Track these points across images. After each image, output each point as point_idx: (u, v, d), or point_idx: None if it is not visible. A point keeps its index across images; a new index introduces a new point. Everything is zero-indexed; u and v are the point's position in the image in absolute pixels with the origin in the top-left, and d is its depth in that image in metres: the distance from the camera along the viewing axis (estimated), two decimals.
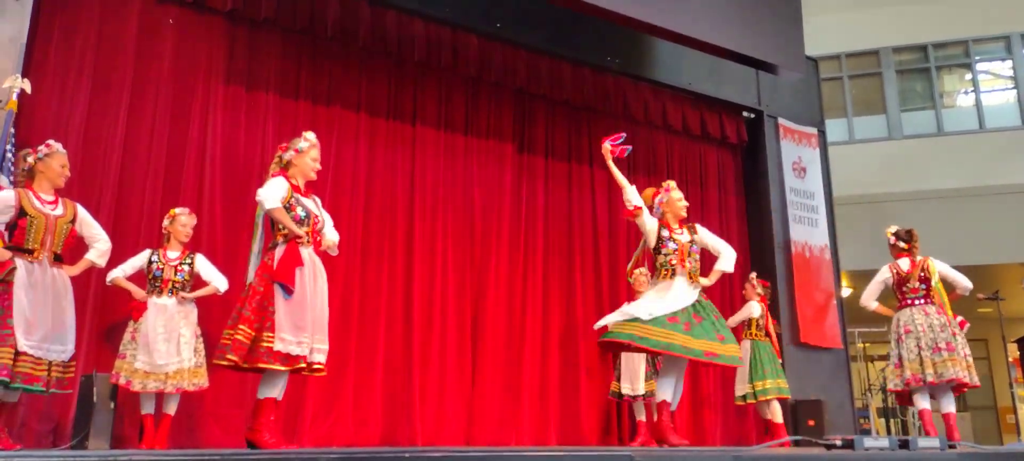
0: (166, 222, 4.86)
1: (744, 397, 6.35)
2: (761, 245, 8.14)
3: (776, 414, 6.30)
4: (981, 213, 10.53)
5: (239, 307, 3.62)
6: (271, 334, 3.48)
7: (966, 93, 12.17)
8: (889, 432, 10.24)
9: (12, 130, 4.70)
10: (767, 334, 6.47)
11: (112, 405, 4.52)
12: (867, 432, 9.79)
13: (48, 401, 4.72)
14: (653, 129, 8.03)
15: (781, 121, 8.49)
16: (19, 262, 3.76)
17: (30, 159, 4.01)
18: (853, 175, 10.46)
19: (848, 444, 2.97)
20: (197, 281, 4.92)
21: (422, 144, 6.65)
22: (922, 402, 5.11)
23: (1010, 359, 8.95)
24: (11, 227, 3.82)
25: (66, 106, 5.17)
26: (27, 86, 4.77)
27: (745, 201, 8.51)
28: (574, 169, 7.51)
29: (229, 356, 3.48)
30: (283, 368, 3.52)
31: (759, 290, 6.63)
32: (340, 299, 5.71)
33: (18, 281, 3.71)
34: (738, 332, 6.51)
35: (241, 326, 3.50)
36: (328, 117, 6.25)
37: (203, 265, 4.92)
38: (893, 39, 12.08)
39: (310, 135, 4.08)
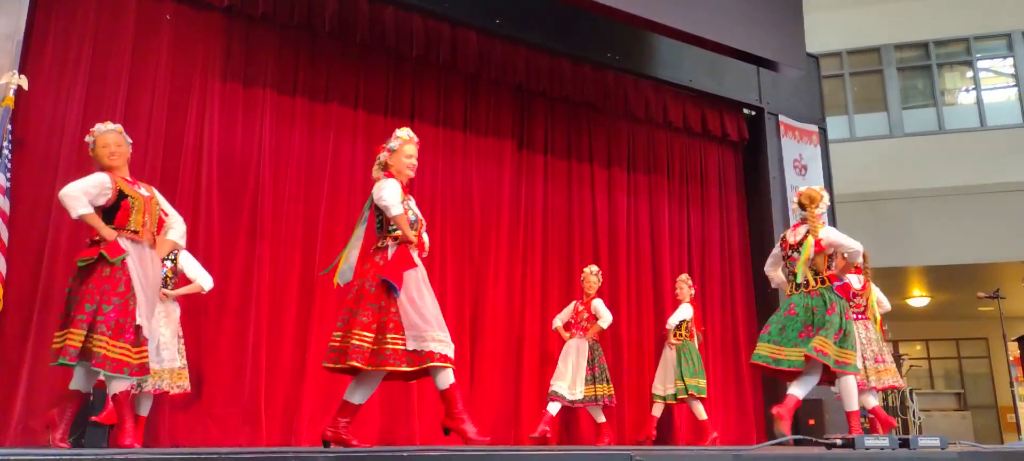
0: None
1: (673, 396, 6.48)
2: (762, 243, 8.10)
3: (700, 412, 6.47)
4: (982, 211, 10.51)
5: (350, 310, 3.60)
6: (396, 336, 3.48)
7: (967, 91, 12.13)
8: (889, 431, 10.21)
9: (9, 127, 4.68)
10: (693, 335, 6.61)
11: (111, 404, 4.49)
12: (867, 431, 9.77)
13: (47, 399, 4.70)
14: (654, 126, 8.01)
15: (782, 118, 8.47)
16: (129, 246, 3.60)
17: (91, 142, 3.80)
18: (854, 173, 10.43)
19: (848, 443, 2.95)
20: (181, 278, 4.88)
21: (421, 141, 6.57)
22: (873, 401, 5.83)
23: (1011, 358, 8.93)
24: (111, 211, 3.62)
25: (62, 102, 5.15)
26: (24, 82, 4.76)
27: (746, 199, 8.49)
28: (574, 166, 7.49)
29: (351, 362, 3.48)
30: (410, 369, 3.53)
31: (691, 291, 6.72)
32: None
33: (131, 266, 3.57)
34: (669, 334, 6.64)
35: (357, 330, 3.50)
36: (325, 114, 6.22)
37: (187, 262, 4.86)
38: (894, 36, 12.05)
39: (403, 132, 4.06)
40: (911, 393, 10.53)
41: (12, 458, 2.81)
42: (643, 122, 7.90)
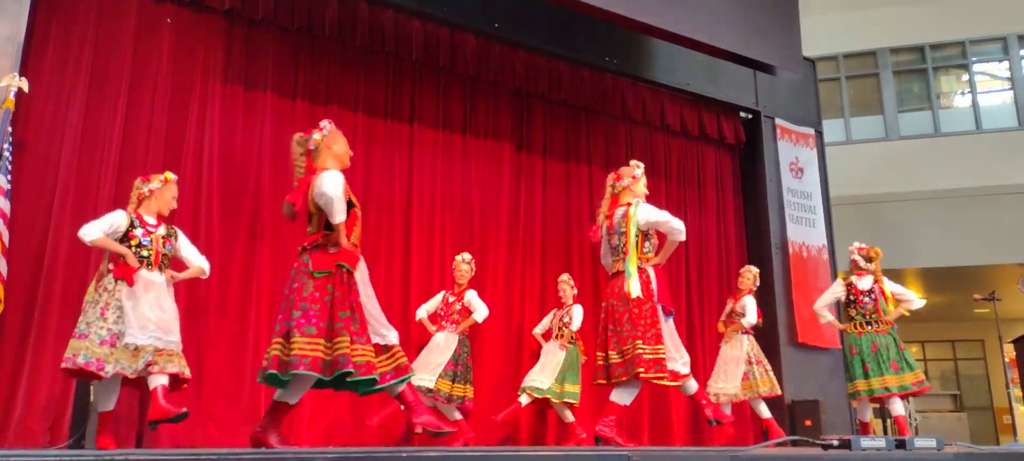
0: (155, 186, 4.46)
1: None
2: (758, 245, 8.15)
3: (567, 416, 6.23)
4: (978, 214, 10.56)
5: (635, 325, 4.16)
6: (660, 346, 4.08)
7: (963, 94, 12.19)
8: (886, 432, 10.26)
9: (9, 129, 4.69)
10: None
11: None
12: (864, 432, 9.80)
13: (46, 400, 4.72)
14: (651, 129, 8.04)
15: (778, 121, 8.51)
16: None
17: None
18: (850, 175, 10.48)
19: (845, 444, 2.97)
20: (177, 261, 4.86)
21: (420, 144, 6.65)
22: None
23: (1006, 360, 8.97)
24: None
25: (63, 105, 5.16)
26: (24, 85, 4.77)
27: (742, 201, 8.52)
28: (572, 169, 7.52)
29: (665, 379, 4.17)
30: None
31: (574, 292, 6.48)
32: None
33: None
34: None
35: (656, 346, 4.10)
36: (325, 117, 6.20)
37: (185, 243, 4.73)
38: (890, 40, 12.10)
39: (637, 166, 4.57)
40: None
41: (12, 459, 2.83)
42: (641, 125, 7.94)
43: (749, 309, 6.46)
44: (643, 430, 7.15)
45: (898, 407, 5.54)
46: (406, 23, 6.53)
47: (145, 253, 4.27)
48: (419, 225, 6.45)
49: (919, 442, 3.06)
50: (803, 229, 8.26)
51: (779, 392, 6.45)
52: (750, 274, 6.71)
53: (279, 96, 6.04)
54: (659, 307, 4.35)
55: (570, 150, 7.56)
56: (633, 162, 4.73)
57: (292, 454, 2.97)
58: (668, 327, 4.42)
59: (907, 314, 5.74)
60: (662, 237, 4.57)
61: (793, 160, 8.48)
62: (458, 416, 5.80)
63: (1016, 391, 8.77)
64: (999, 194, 10.59)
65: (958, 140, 11.44)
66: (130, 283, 4.14)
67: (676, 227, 4.41)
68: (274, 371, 3.30)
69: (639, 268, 4.35)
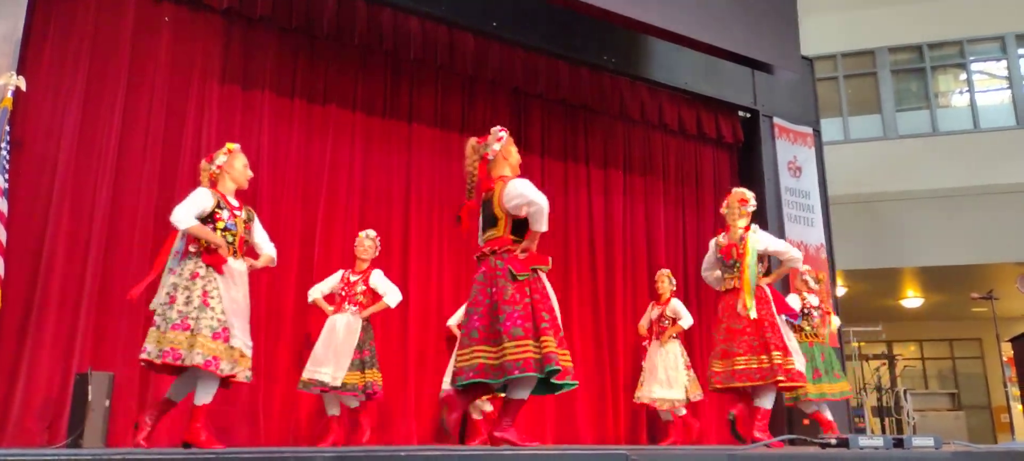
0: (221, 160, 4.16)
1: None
2: None
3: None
4: (975, 213, 10.57)
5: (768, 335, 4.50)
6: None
7: (961, 93, 12.21)
8: (884, 431, 10.27)
9: (7, 128, 4.68)
10: None
11: (107, 404, 4.50)
12: (862, 431, 9.82)
13: (44, 399, 4.71)
14: (649, 128, 8.04)
15: (777, 121, 8.51)
16: None
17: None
18: (848, 175, 10.49)
19: (843, 443, 2.98)
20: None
21: (418, 143, 6.65)
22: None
23: (1004, 358, 8.98)
24: (523, 224, 3.57)
25: (61, 104, 5.16)
26: (22, 84, 4.76)
27: None
28: (570, 168, 7.51)
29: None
30: None
31: None
32: None
33: None
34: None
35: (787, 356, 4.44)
36: (324, 115, 6.24)
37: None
38: (888, 39, 12.11)
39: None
40: (905, 393, 10.59)
41: (10, 458, 2.82)
42: (639, 124, 7.94)
43: (683, 312, 6.55)
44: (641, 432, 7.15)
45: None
46: (404, 22, 6.52)
47: (230, 238, 3.89)
48: (417, 224, 6.45)
49: (917, 441, 3.06)
50: (801, 228, 8.26)
51: (701, 396, 6.43)
52: (666, 278, 6.73)
53: (277, 95, 6.04)
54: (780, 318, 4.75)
55: (568, 149, 7.56)
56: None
57: (291, 453, 2.97)
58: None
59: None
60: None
61: (791, 159, 8.48)
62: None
63: (1014, 390, 8.78)
64: (997, 193, 10.61)
65: (956, 139, 11.46)
66: (220, 272, 3.79)
67: (794, 256, 4.82)
68: (481, 379, 3.35)
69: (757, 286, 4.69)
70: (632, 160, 7.95)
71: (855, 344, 10.83)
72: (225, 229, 3.87)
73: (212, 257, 3.78)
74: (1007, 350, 8.09)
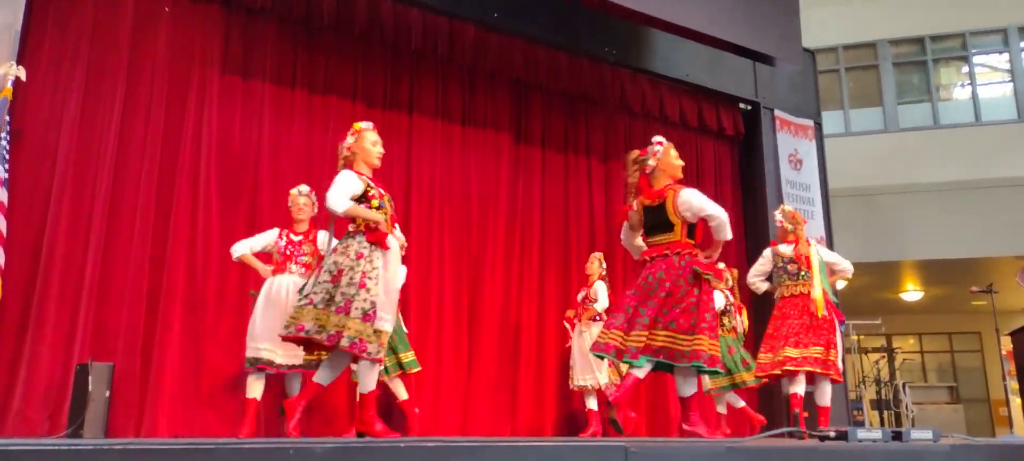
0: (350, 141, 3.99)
1: None
2: (757, 237, 8.14)
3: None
4: (976, 206, 10.56)
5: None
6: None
7: (963, 86, 12.17)
8: (882, 424, 10.30)
9: (7, 118, 4.69)
10: None
11: (107, 394, 4.52)
12: (860, 424, 9.84)
13: (45, 390, 4.72)
14: (650, 120, 8.03)
15: (778, 113, 8.50)
16: None
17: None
18: (849, 167, 10.47)
19: (841, 436, 2.98)
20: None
21: (418, 134, 6.64)
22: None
23: (1003, 352, 8.99)
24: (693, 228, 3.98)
25: (60, 94, 5.16)
26: (22, 74, 4.76)
27: (741, 193, 8.53)
28: (571, 160, 7.51)
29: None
30: None
31: None
32: None
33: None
34: None
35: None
36: (324, 107, 6.23)
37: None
38: (890, 32, 12.07)
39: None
40: (904, 386, 10.61)
41: (11, 448, 2.83)
42: (640, 116, 7.92)
43: (601, 295, 6.22)
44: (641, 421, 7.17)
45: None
46: (405, 13, 6.51)
47: (384, 217, 3.79)
48: (417, 215, 6.45)
49: (915, 434, 3.06)
50: None
51: (619, 381, 6.05)
52: (596, 260, 6.43)
53: (277, 86, 6.03)
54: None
55: (569, 141, 7.55)
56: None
57: (289, 443, 2.98)
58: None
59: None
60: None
61: (792, 152, 8.47)
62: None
63: (1012, 384, 8.78)
64: (998, 186, 10.60)
65: (957, 132, 11.43)
66: (386, 248, 3.72)
67: (847, 267, 5.50)
68: (665, 359, 3.77)
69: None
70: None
71: (854, 337, 10.84)
72: (379, 207, 3.79)
73: (375, 235, 3.71)
74: (1006, 344, 8.09)
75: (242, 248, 4.81)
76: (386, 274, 3.72)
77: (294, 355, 4.39)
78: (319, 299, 3.59)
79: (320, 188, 6.06)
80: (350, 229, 3.76)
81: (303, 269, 4.77)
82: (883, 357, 11.09)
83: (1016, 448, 3.09)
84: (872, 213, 10.74)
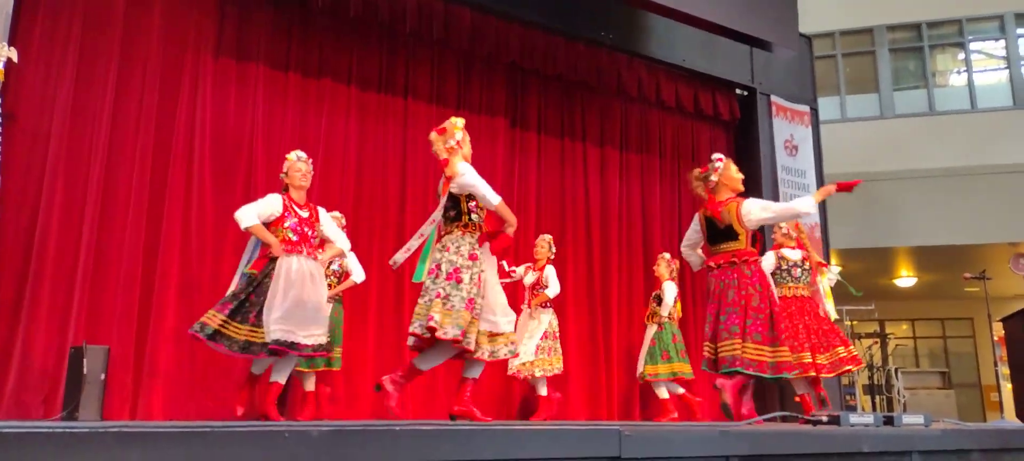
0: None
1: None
2: None
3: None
4: (971, 193, 10.59)
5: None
6: None
7: (958, 73, 12.18)
8: (875, 408, 10.37)
9: None
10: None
11: (102, 377, 4.52)
12: (853, 408, 9.91)
13: (39, 373, 4.72)
14: (646, 105, 8.02)
15: (774, 99, 8.49)
16: None
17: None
18: (845, 153, 10.48)
19: (834, 420, 3.00)
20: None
21: (414, 118, 6.61)
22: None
23: (995, 338, 9.05)
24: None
25: (53, 76, 5.11)
26: (14, 55, 4.72)
27: None
28: (567, 145, 7.50)
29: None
30: None
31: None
32: None
33: None
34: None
35: None
36: (318, 90, 6.20)
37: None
38: (887, 17, 12.05)
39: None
40: (896, 371, 10.68)
41: (6, 431, 2.83)
42: (636, 101, 7.91)
43: (552, 280, 6.06)
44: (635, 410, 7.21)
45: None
46: None
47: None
48: (413, 199, 6.43)
49: (907, 418, 3.09)
50: None
51: (560, 370, 6.04)
52: (545, 243, 6.25)
53: (271, 69, 5.99)
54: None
55: (565, 126, 7.53)
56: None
57: (285, 427, 2.99)
58: None
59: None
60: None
61: (788, 137, 8.47)
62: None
63: (1004, 369, 8.85)
64: (993, 173, 10.62)
65: (953, 119, 11.45)
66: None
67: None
68: (759, 373, 4.11)
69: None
70: (629, 137, 7.93)
71: (848, 322, 10.89)
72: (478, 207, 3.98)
73: (501, 240, 3.89)
74: (998, 330, 8.15)
75: (251, 217, 4.32)
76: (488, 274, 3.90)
77: (317, 337, 4.25)
78: (445, 295, 3.67)
79: (314, 170, 6.06)
80: (454, 228, 3.83)
81: (313, 252, 4.43)
82: (876, 342, 11.15)
83: (1007, 433, 3.11)
84: (867, 199, 10.75)
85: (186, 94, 5.58)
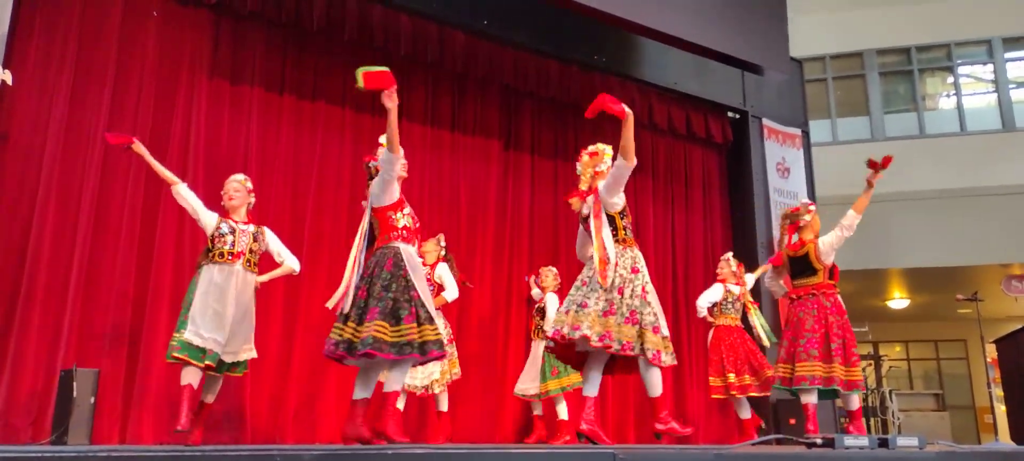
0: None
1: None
2: (745, 244, 8.18)
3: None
4: (962, 214, 10.65)
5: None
6: None
7: (948, 96, 12.29)
8: (869, 431, 10.34)
9: None
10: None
11: (92, 400, 4.47)
12: (847, 431, 9.87)
13: (28, 395, 4.67)
14: (639, 127, 8.02)
15: (766, 121, 8.55)
16: None
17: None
18: (836, 175, 10.51)
19: (829, 443, 2.99)
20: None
21: (408, 140, 6.60)
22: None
23: (988, 359, 9.06)
24: None
25: (48, 97, 5.11)
26: (8, 77, 4.71)
27: (729, 200, 8.57)
28: (560, 167, 7.52)
29: None
30: None
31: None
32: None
33: None
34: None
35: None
36: (313, 111, 6.21)
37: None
38: (877, 41, 12.17)
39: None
40: (891, 393, 10.67)
41: None
42: None
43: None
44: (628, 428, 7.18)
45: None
46: (395, 18, 6.50)
47: None
48: None
49: (901, 440, 3.09)
50: None
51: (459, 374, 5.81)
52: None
53: (266, 90, 6.01)
54: None
55: (558, 148, 7.56)
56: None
57: (276, 450, 2.96)
58: None
59: None
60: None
61: (780, 160, 8.52)
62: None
63: (998, 391, 8.85)
64: (983, 195, 10.69)
65: (943, 141, 11.53)
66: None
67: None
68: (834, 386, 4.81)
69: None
70: None
71: None
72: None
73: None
74: (991, 351, 8.16)
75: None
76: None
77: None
78: (600, 308, 3.84)
79: (308, 192, 6.07)
80: (625, 237, 4.05)
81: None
82: (870, 364, 11.14)
83: (1001, 455, 3.11)
84: (859, 221, 10.80)
85: (180, 114, 5.59)
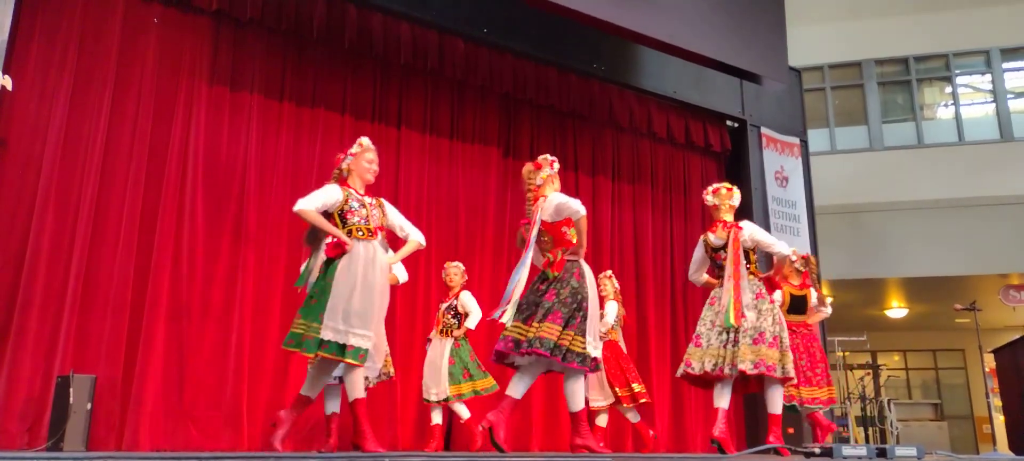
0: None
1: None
2: None
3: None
4: (959, 224, 10.66)
5: None
6: None
7: (946, 106, 12.32)
8: (867, 440, 10.33)
9: None
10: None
11: (88, 407, 4.46)
12: (846, 440, 9.87)
13: (25, 401, 4.66)
14: (638, 136, 8.08)
15: (764, 130, 8.56)
16: None
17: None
18: (834, 185, 10.56)
19: (826, 452, 2.99)
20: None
21: (407, 147, 6.64)
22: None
23: (987, 369, 9.07)
24: None
25: (47, 104, 5.12)
26: (8, 83, 4.72)
27: None
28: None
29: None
30: None
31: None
32: None
33: None
34: None
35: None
36: (312, 119, 6.22)
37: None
38: (875, 51, 12.22)
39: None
40: (889, 403, 10.66)
41: None
42: (627, 131, 7.97)
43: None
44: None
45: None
46: (395, 26, 6.52)
47: None
48: None
49: (900, 450, 3.09)
50: (788, 237, 8.30)
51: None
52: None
53: (266, 97, 6.02)
54: None
55: (557, 155, 7.53)
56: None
57: (274, 458, 2.96)
58: None
59: None
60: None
61: (778, 169, 8.54)
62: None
63: (996, 400, 8.85)
64: (981, 205, 10.71)
65: (941, 151, 11.56)
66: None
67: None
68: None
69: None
70: (620, 167, 7.98)
71: (840, 353, 10.89)
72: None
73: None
74: (990, 361, 8.16)
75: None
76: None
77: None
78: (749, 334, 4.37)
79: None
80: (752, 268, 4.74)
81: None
82: (868, 374, 11.13)
83: None
84: (857, 230, 10.82)
85: (180, 121, 5.59)
